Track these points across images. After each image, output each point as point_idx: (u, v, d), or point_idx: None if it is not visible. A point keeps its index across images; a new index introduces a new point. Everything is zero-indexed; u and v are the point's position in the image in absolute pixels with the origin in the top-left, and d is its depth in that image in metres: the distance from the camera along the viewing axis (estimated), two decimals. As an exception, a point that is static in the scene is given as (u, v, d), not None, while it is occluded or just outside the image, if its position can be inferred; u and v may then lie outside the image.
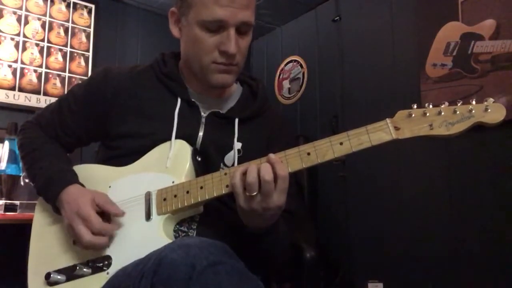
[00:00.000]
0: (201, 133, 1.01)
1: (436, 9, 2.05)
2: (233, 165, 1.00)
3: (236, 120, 1.03)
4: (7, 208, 1.67)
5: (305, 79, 2.84)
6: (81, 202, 0.92)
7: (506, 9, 1.80)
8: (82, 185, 0.99)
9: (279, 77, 3.06)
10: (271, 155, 0.82)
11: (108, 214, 0.93)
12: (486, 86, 1.84)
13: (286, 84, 2.99)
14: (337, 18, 2.63)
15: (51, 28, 2.48)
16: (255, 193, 0.80)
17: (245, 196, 0.81)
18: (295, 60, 2.94)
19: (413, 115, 0.80)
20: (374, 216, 2.26)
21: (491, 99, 0.76)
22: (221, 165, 1.01)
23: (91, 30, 2.62)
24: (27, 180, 1.85)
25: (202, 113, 1.03)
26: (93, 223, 0.89)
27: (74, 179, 0.99)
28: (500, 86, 1.79)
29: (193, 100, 1.03)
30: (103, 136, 1.06)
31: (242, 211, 0.84)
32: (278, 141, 1.08)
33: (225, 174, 0.87)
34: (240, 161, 0.99)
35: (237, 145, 1.01)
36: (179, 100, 1.02)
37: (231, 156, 1.01)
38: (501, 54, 1.80)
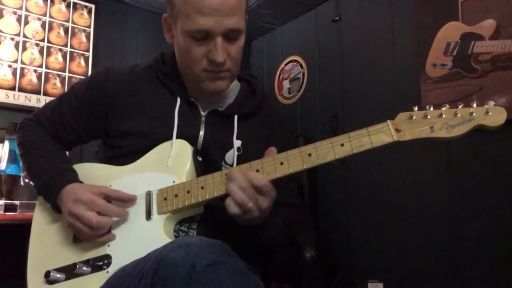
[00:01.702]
0: (201, 132, 1.01)
1: (436, 9, 2.06)
2: (233, 163, 1.00)
3: (236, 117, 1.03)
4: (7, 208, 1.67)
5: (305, 79, 2.84)
6: (79, 191, 0.92)
7: (506, 9, 1.80)
8: (82, 183, 0.99)
9: (279, 77, 3.06)
10: (235, 173, 0.83)
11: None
12: (486, 86, 1.84)
13: (286, 84, 2.99)
14: (337, 18, 2.63)
15: (51, 28, 2.49)
16: (250, 205, 0.82)
17: (243, 213, 0.83)
18: (295, 60, 2.95)
19: (414, 118, 0.80)
20: (374, 216, 2.26)
21: (492, 102, 0.77)
22: (223, 163, 1.01)
23: (91, 30, 2.62)
24: (27, 180, 1.85)
25: (202, 112, 1.03)
26: (99, 204, 0.90)
27: (74, 178, 0.99)
28: (500, 86, 1.79)
29: (192, 99, 1.03)
30: (103, 134, 1.06)
31: (242, 221, 0.86)
32: (278, 138, 1.08)
33: (226, 174, 0.87)
34: (240, 159, 0.99)
35: (237, 143, 1.01)
36: (178, 99, 1.02)
37: (232, 154, 1.01)
38: (501, 54, 1.80)
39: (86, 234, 0.91)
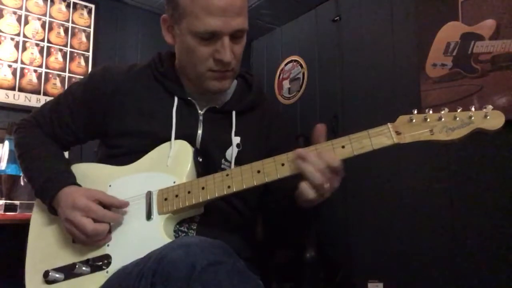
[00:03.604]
0: (200, 131, 1.01)
1: (436, 9, 2.06)
2: (232, 160, 1.00)
3: (234, 113, 1.03)
4: (7, 208, 1.67)
5: (305, 79, 2.84)
6: (76, 196, 0.92)
7: (506, 9, 1.80)
8: (80, 186, 0.99)
9: (279, 77, 3.06)
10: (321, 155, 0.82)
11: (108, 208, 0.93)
12: (486, 86, 1.84)
13: (286, 84, 2.99)
14: (337, 18, 2.63)
15: (51, 28, 2.49)
16: (327, 186, 0.82)
17: (321, 191, 0.82)
18: (295, 60, 2.94)
19: (414, 120, 0.81)
20: (374, 216, 2.26)
21: (490, 106, 0.78)
22: (222, 161, 1.01)
23: (91, 30, 2.62)
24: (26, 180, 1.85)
25: (199, 111, 1.03)
26: (95, 210, 0.90)
27: (71, 180, 0.99)
28: (500, 86, 1.79)
29: (189, 98, 1.03)
30: (102, 134, 1.06)
31: (306, 203, 0.85)
32: (277, 133, 1.08)
33: (227, 175, 0.87)
34: (240, 156, 1.00)
35: (236, 139, 1.01)
36: (176, 99, 1.02)
37: (231, 151, 1.01)
38: (501, 54, 1.80)
39: (82, 240, 0.91)
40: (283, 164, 0.84)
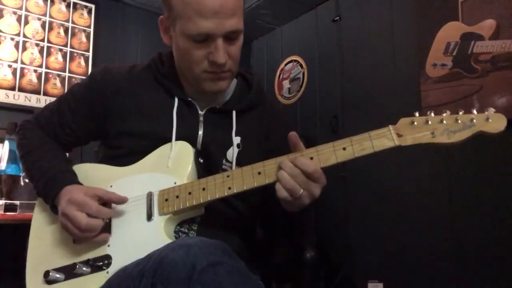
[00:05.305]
0: (200, 132, 1.01)
1: (436, 9, 2.06)
2: (233, 160, 1.00)
3: (234, 113, 1.03)
4: (7, 208, 1.67)
5: (305, 79, 2.84)
6: (74, 192, 0.92)
7: (506, 9, 1.80)
8: (81, 185, 0.99)
9: (279, 77, 3.06)
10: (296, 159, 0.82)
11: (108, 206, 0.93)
12: (486, 86, 1.84)
13: (286, 84, 2.99)
14: (337, 18, 2.63)
15: (51, 28, 2.49)
16: (301, 192, 0.81)
17: (294, 200, 0.82)
18: (295, 60, 2.95)
19: (415, 123, 0.81)
20: (374, 216, 2.26)
21: (492, 109, 0.78)
22: (223, 161, 1.01)
23: (91, 30, 2.62)
24: (27, 180, 1.85)
25: (200, 111, 1.03)
26: (91, 206, 0.89)
27: (73, 179, 0.99)
28: (500, 86, 1.79)
29: (189, 99, 1.03)
30: (103, 135, 1.06)
31: (289, 207, 0.85)
32: (277, 131, 1.08)
33: (228, 176, 0.87)
34: (240, 156, 1.00)
35: (236, 139, 1.01)
36: (176, 99, 1.02)
37: (232, 151, 1.01)
38: (501, 54, 1.80)
39: (76, 235, 0.91)
40: (284, 166, 0.84)
